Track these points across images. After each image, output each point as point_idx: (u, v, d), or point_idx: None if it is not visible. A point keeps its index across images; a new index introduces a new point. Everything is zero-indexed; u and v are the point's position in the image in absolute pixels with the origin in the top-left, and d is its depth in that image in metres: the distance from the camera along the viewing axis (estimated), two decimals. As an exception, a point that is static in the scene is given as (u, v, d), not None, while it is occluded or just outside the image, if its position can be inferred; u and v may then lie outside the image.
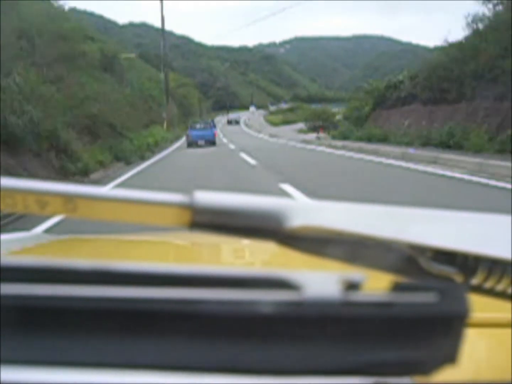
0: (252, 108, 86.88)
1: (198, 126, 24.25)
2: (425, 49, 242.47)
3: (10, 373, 0.24)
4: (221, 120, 69.04)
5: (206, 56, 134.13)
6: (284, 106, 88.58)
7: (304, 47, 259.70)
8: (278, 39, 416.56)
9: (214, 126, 27.17)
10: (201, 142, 22.53)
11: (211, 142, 22.85)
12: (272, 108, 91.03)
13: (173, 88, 40.29)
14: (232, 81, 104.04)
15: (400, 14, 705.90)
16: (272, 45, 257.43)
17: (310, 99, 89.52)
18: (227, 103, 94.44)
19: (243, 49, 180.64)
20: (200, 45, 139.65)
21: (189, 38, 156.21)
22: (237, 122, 49.66)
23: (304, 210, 0.31)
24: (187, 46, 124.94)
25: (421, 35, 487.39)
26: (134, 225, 0.34)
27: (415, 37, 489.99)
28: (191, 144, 22.61)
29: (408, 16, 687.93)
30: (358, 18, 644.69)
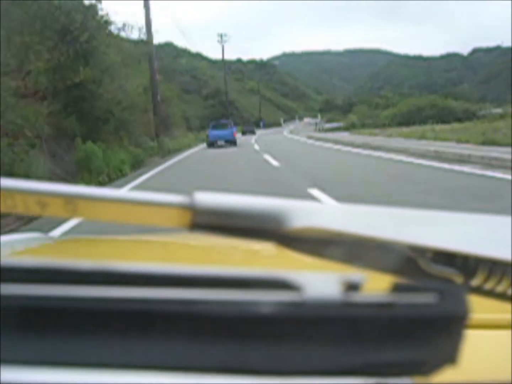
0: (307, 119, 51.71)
1: (217, 125, 23.97)
2: (432, 58, 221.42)
3: (10, 373, 0.24)
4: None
5: (187, 54, 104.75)
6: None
7: (295, 62, 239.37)
8: (265, 56, 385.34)
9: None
10: (220, 142, 22.99)
11: (232, 142, 23.01)
12: (327, 125, 52.47)
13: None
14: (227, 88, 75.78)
15: (386, 27, 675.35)
16: (259, 62, 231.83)
17: (350, 106, 63.52)
18: (228, 112, 57.82)
19: (232, 61, 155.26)
20: (182, 50, 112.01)
21: (171, 43, 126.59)
22: None
23: (304, 211, 0.31)
24: (163, 47, 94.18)
25: (415, 46, 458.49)
26: (135, 226, 0.33)
27: (409, 49, 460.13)
28: (210, 144, 23.07)
29: (396, 29, 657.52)
30: (346, 32, 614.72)
